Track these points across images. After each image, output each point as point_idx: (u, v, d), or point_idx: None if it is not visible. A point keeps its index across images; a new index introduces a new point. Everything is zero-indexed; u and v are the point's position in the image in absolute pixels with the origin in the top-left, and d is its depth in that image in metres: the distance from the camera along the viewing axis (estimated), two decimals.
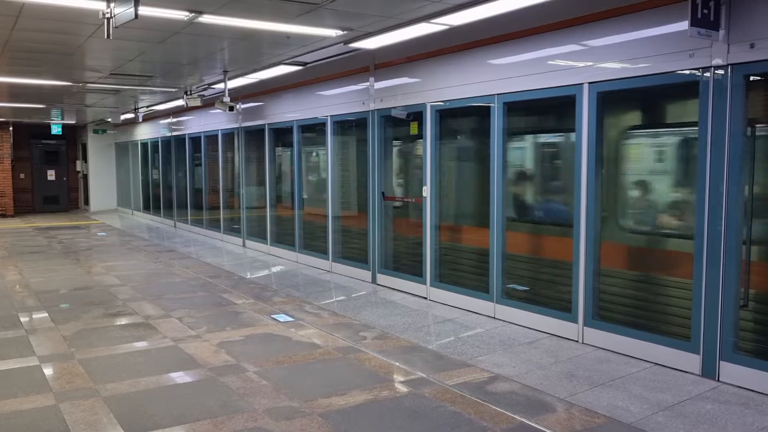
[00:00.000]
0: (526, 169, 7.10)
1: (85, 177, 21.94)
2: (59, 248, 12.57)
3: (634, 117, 6.17)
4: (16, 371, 5.18)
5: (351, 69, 8.74)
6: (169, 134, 16.36)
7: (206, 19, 6.14)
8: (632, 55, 5.27)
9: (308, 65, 8.95)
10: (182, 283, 8.88)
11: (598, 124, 5.62)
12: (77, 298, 7.96)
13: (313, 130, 10.25)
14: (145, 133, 18.33)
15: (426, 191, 7.58)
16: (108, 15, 4.99)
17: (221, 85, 10.29)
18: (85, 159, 21.81)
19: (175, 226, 16.25)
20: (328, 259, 9.67)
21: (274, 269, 10.15)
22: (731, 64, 4.63)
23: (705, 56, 4.76)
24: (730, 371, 4.72)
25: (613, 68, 5.43)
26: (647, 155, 6.06)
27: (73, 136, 22.35)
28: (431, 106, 7.44)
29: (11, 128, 20.17)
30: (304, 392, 4.68)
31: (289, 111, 10.60)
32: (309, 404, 4.45)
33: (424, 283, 7.69)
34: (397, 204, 8.47)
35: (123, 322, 6.72)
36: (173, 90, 11.94)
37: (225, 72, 9.71)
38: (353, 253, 9.30)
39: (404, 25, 6.39)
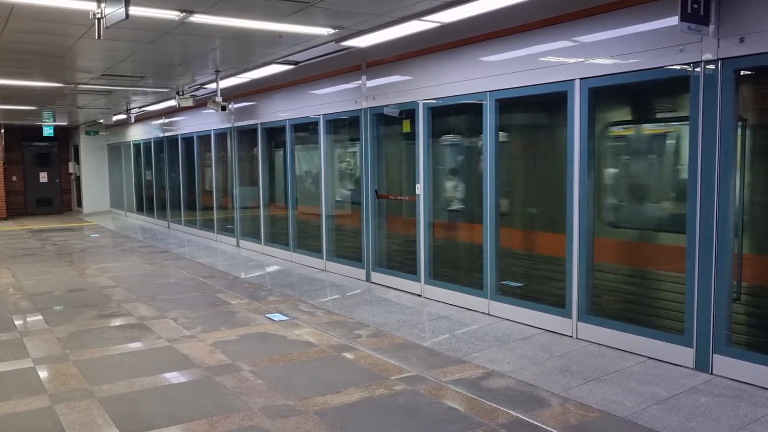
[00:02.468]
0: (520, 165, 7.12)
1: (78, 179, 21.84)
2: (52, 250, 12.53)
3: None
4: (10, 373, 5.17)
5: (343, 67, 8.73)
6: (161, 135, 16.31)
7: (197, 18, 6.13)
8: (623, 51, 5.29)
9: (300, 64, 8.94)
10: (176, 284, 8.86)
11: (590, 119, 5.64)
12: (71, 299, 7.93)
13: (306, 129, 10.24)
14: (137, 134, 18.27)
15: (419, 189, 7.59)
16: (99, 15, 4.98)
17: (213, 85, 10.28)
18: (77, 161, 21.72)
19: (168, 227, 16.21)
20: (322, 258, 9.66)
21: (269, 269, 10.14)
22: (721, 59, 4.65)
23: (695, 51, 4.79)
24: (723, 364, 4.75)
25: (604, 64, 5.45)
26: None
27: (65, 137, 22.25)
28: (423, 103, 7.44)
29: (2, 130, 20.05)
30: (299, 390, 4.69)
31: (282, 110, 10.59)
32: (304, 402, 4.46)
33: (419, 281, 7.70)
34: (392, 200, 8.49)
35: (117, 324, 6.71)
36: (165, 90, 11.91)
37: (217, 72, 9.69)
38: (347, 251, 9.30)
39: (396, 23, 6.39)
